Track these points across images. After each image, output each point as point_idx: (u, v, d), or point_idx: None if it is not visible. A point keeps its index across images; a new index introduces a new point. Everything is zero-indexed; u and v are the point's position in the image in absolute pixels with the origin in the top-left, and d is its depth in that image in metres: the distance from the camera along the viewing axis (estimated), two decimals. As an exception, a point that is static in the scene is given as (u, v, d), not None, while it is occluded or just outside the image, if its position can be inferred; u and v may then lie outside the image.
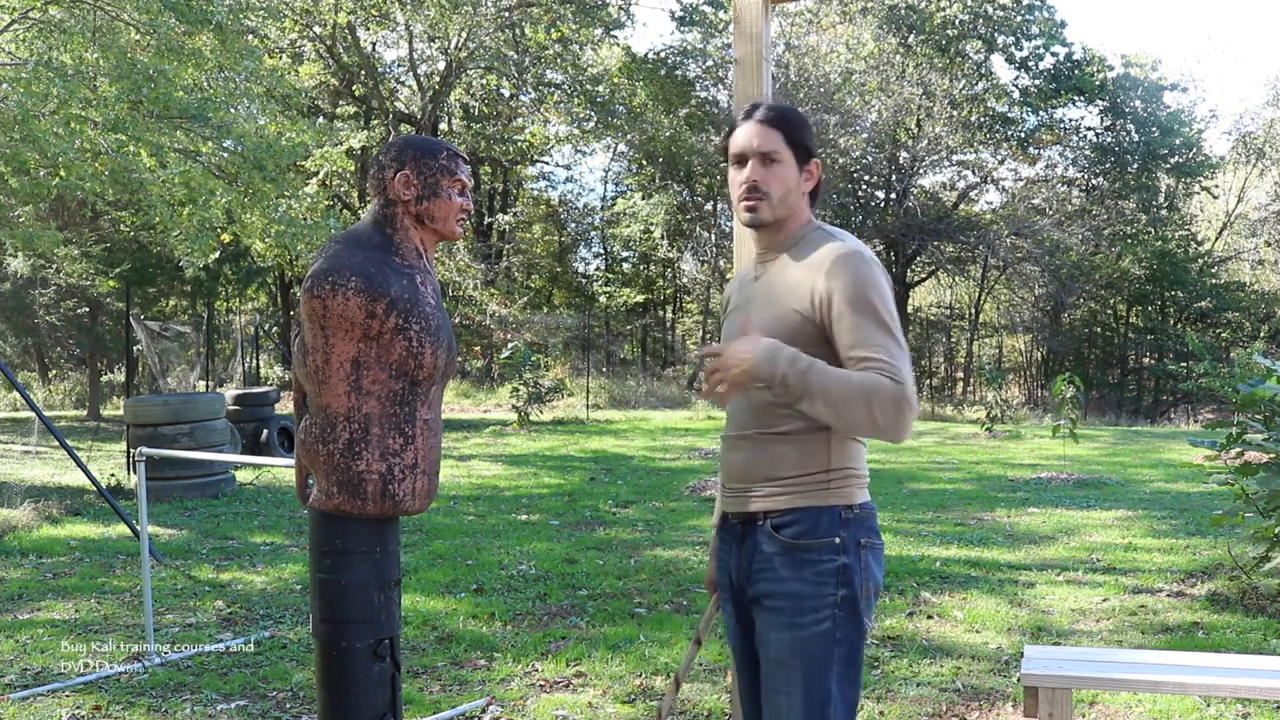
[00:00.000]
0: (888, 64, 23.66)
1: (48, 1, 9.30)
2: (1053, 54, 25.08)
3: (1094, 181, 27.32)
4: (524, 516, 8.19)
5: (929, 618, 5.15)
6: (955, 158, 25.87)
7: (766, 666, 2.05)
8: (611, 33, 21.14)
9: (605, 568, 6.29)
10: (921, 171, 25.37)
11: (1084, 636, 4.83)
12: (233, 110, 10.40)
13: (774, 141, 2.10)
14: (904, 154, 24.66)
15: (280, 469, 10.37)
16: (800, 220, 2.16)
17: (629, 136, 23.88)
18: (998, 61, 25.50)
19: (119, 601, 5.55)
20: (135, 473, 6.42)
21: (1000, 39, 24.67)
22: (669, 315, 31.17)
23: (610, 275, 29.42)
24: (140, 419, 9.30)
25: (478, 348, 24.83)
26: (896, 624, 5.02)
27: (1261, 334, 24.51)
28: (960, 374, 28.64)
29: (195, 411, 9.35)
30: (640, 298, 28.84)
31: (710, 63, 24.02)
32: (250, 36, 13.38)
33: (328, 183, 17.78)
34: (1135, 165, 26.29)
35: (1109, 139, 26.87)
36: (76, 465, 7.28)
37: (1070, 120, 27.13)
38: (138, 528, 5.89)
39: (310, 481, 2.53)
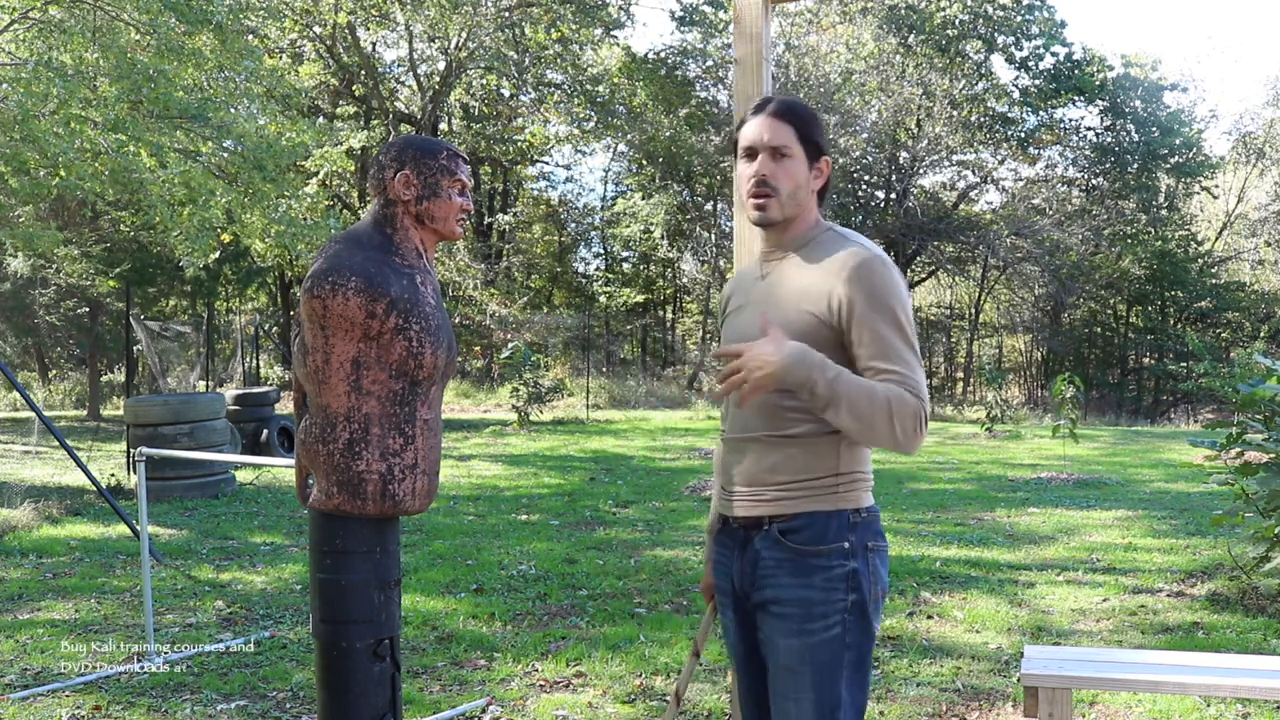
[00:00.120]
0: (888, 64, 23.66)
1: (48, 1, 9.30)
2: (1053, 54, 25.09)
3: (1094, 181, 27.32)
4: (524, 516, 8.19)
5: (929, 618, 5.15)
6: (955, 158, 25.87)
7: (775, 673, 2.02)
8: (611, 33, 21.15)
9: (605, 568, 6.29)
10: (921, 171, 25.38)
11: (1084, 636, 4.83)
12: (233, 110, 10.40)
13: (785, 136, 2.06)
14: (904, 154, 24.66)
15: (280, 469, 10.37)
16: (809, 220, 2.12)
17: (629, 136, 23.88)
18: (998, 61, 25.52)
19: (119, 601, 5.55)
20: (135, 473, 6.42)
21: (1000, 39, 24.67)
22: (669, 315, 31.17)
23: (610, 275, 29.42)
24: (140, 419, 9.30)
25: (478, 348, 24.83)
26: (896, 624, 5.02)
27: (1261, 334, 24.51)
28: (960, 374, 28.64)
29: (195, 411, 9.35)
30: (640, 298, 28.84)
31: (710, 63, 24.02)
32: (250, 36, 13.38)
33: (328, 183, 17.78)
34: (1135, 165, 26.29)
35: (1109, 139, 26.87)
36: (76, 465, 7.28)
37: (1070, 120, 27.15)
38: (138, 528, 5.89)
39: (310, 481, 2.53)
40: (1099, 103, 26.29)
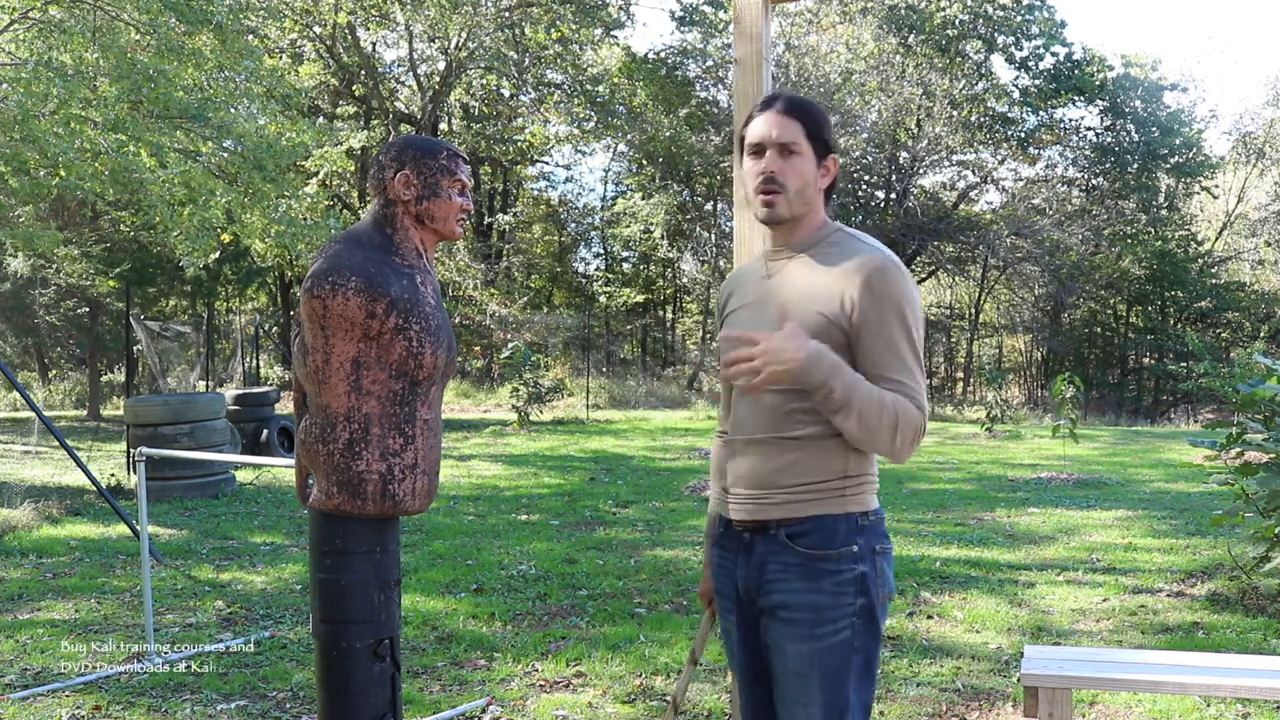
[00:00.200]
0: (888, 64, 23.66)
1: (48, 1, 9.30)
2: (1053, 54, 25.09)
3: (1094, 181, 27.32)
4: (524, 516, 8.18)
5: (929, 618, 5.15)
6: (955, 158, 25.87)
7: (784, 678, 2.00)
8: (611, 33, 21.14)
9: (605, 568, 6.29)
10: (921, 171, 25.37)
11: (1084, 636, 4.83)
12: (233, 110, 10.40)
13: (793, 132, 2.03)
14: (904, 154, 24.66)
15: (280, 469, 10.37)
16: (817, 220, 2.09)
17: (629, 136, 23.88)
18: (998, 61, 25.52)
19: (119, 601, 5.55)
20: (135, 473, 6.42)
21: (1000, 39, 24.67)
22: (669, 315, 31.17)
23: (610, 275, 29.42)
24: (140, 419, 9.30)
25: (478, 348, 24.83)
26: (896, 624, 5.02)
27: (1261, 334, 24.52)
28: (960, 374, 28.64)
29: (195, 411, 9.35)
30: (640, 298, 28.84)
31: (710, 63, 24.02)
32: (250, 36, 13.38)
33: (328, 183, 17.78)
34: (1135, 165, 26.29)
35: (1109, 139, 26.87)
36: (76, 465, 7.28)
37: (1070, 120, 27.15)
38: (138, 528, 5.89)
39: (310, 481, 2.53)
40: (1099, 103, 26.29)
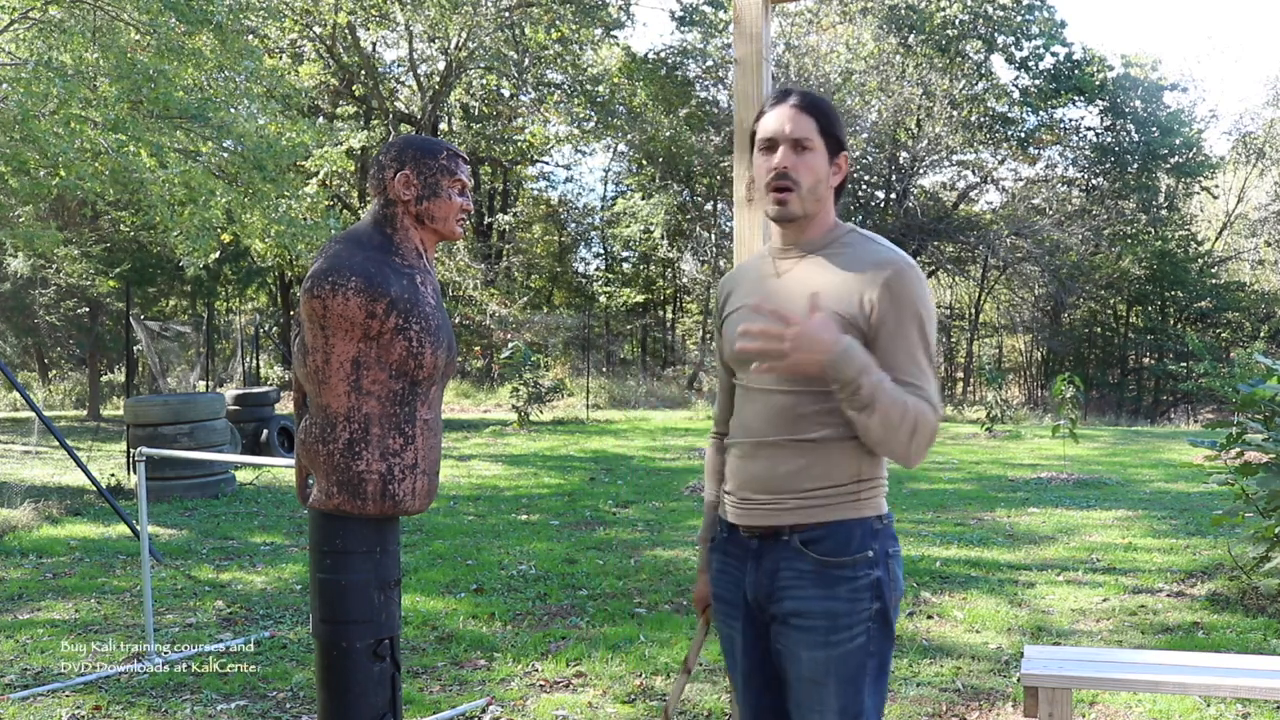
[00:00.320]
0: (888, 64, 23.66)
1: (48, 1, 9.29)
2: (1053, 54, 25.09)
3: (1094, 181, 27.32)
4: (524, 516, 8.18)
5: (929, 618, 5.15)
6: (955, 158, 25.87)
7: (798, 685, 1.97)
8: (611, 33, 21.14)
9: (605, 568, 6.29)
10: (921, 171, 25.38)
11: (1084, 636, 4.83)
12: (233, 110, 10.40)
13: (807, 128, 1.99)
14: (904, 154, 24.67)
15: (280, 469, 10.37)
16: (828, 220, 2.05)
17: (629, 136, 23.88)
18: (998, 61, 25.52)
19: (119, 601, 5.55)
20: (135, 473, 6.42)
21: (1000, 39, 24.67)
22: (669, 315, 31.17)
23: (610, 275, 29.42)
24: (140, 419, 9.30)
25: (478, 348, 24.83)
26: (897, 624, 5.01)
27: (1261, 334, 24.52)
28: (960, 374, 28.64)
29: (195, 411, 9.35)
30: (640, 298, 28.84)
31: (710, 63, 24.02)
32: (250, 36, 13.38)
33: (328, 183, 17.78)
34: (1135, 165, 26.29)
35: (1109, 139, 26.87)
36: (76, 465, 7.28)
37: (1070, 120, 27.15)
38: (138, 528, 5.89)
39: (310, 481, 2.53)
40: (1099, 103, 26.29)
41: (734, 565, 2.07)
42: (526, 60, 20.93)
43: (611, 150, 28.05)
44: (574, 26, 20.18)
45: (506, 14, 19.76)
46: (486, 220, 26.96)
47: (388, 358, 2.36)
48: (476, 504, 8.82)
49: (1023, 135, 26.09)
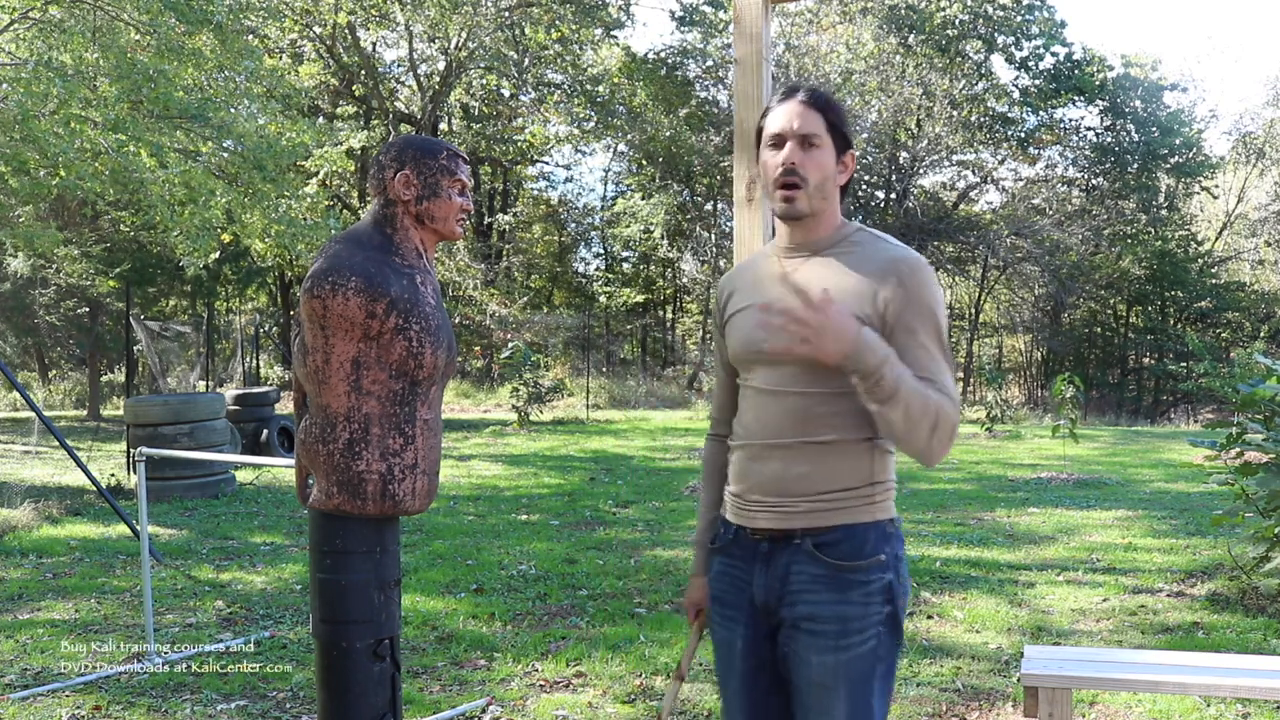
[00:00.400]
0: (888, 64, 23.66)
1: (48, 1, 9.30)
2: (1053, 54, 25.09)
3: (1094, 181, 27.32)
4: (524, 516, 8.18)
5: (929, 618, 5.15)
6: (955, 158, 25.87)
7: (807, 689, 1.94)
8: (611, 33, 21.15)
9: (605, 568, 6.29)
10: (921, 171, 25.38)
11: (1084, 636, 4.83)
12: (233, 110, 10.40)
13: (815, 124, 1.97)
14: (904, 154, 24.67)
15: (280, 469, 10.37)
16: (836, 219, 2.03)
17: (629, 136, 23.88)
18: (998, 61, 25.52)
19: (119, 601, 5.55)
20: (135, 473, 6.42)
21: (1000, 39, 24.67)
22: (669, 315, 31.17)
23: (610, 275, 29.42)
24: (140, 419, 9.30)
25: (478, 348, 24.83)
26: (896, 624, 5.01)
27: (1261, 334, 24.52)
28: (960, 374, 28.64)
29: (195, 411, 9.35)
30: (640, 298, 28.84)
31: (710, 63, 24.02)
32: (250, 36, 13.38)
33: (328, 183, 17.78)
34: (1135, 165, 26.30)
35: (1109, 139, 26.87)
36: (76, 465, 7.28)
37: (1070, 120, 27.15)
38: (138, 528, 5.89)
39: (310, 481, 2.53)
40: (1099, 103, 26.30)
41: (740, 568, 2.04)
42: (526, 60, 20.94)
43: (611, 150, 28.07)
44: (574, 26, 20.18)
45: (506, 14, 19.76)
46: (486, 220, 26.96)
47: (388, 358, 2.36)
48: (476, 504, 8.82)
49: (1023, 135, 26.10)
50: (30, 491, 8.87)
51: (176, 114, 9.66)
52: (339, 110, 22.46)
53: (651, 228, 25.28)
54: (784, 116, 1.99)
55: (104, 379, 21.73)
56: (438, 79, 22.00)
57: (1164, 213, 26.98)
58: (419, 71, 22.16)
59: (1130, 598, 5.52)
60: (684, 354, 28.95)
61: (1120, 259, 26.47)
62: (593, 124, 22.89)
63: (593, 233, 30.59)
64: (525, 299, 25.47)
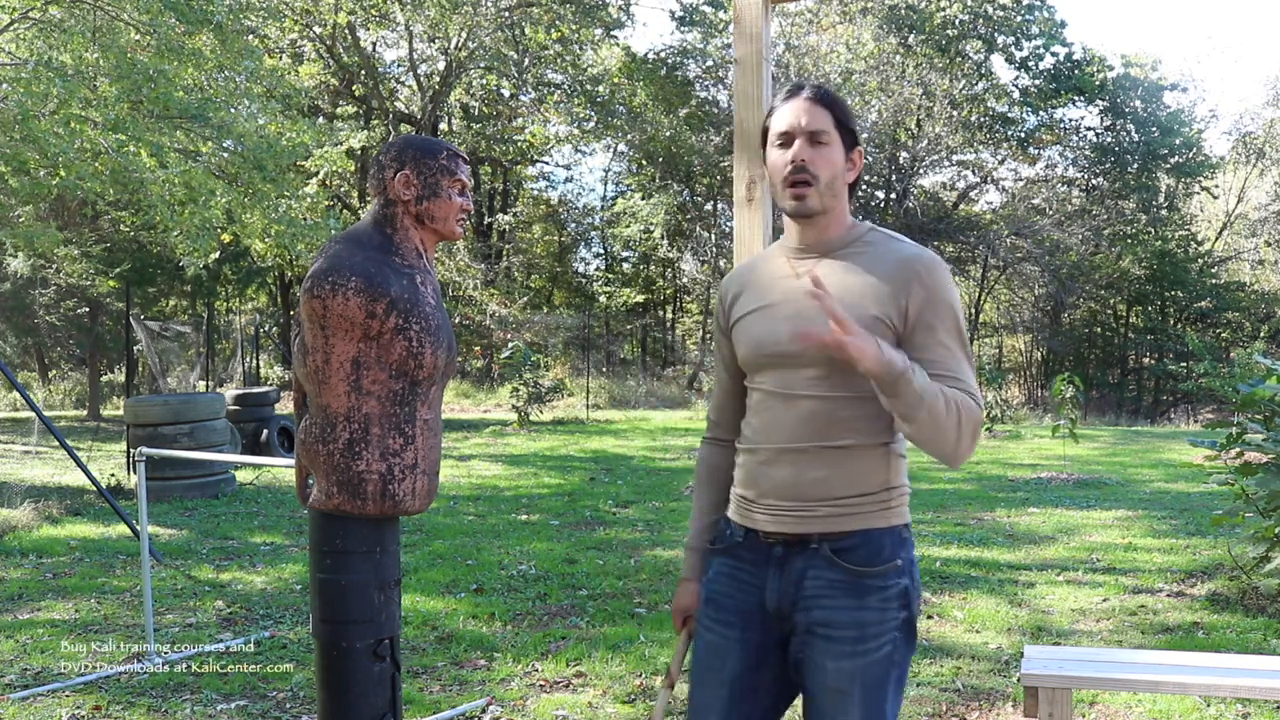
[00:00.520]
0: (888, 64, 23.66)
1: (48, 1, 9.30)
2: (1053, 54, 25.10)
3: (1094, 181, 27.32)
4: (524, 516, 8.18)
5: (929, 618, 5.15)
6: (955, 158, 25.87)
7: (821, 695, 1.92)
8: (611, 33, 21.15)
9: (605, 568, 6.29)
10: (921, 171, 25.38)
11: (1084, 636, 4.83)
12: (233, 110, 10.40)
13: (823, 120, 1.95)
14: (904, 154, 24.67)
15: (280, 469, 10.37)
16: (846, 218, 2.01)
17: (629, 136, 23.89)
18: (998, 61, 25.53)
19: (119, 601, 5.55)
20: (135, 473, 6.42)
21: (1000, 39, 24.67)
22: (669, 315, 31.17)
23: (610, 275, 29.42)
24: (140, 419, 9.30)
25: (478, 348, 24.83)
26: (896, 624, 5.01)
27: (1261, 334, 24.52)
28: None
29: (195, 411, 9.35)
30: (640, 298, 28.84)
31: (710, 63, 24.02)
32: (250, 36, 13.38)
33: (328, 183, 17.78)
34: (1135, 165, 26.30)
35: (1109, 139, 26.88)
36: (76, 465, 7.28)
37: (1070, 120, 27.16)
38: (138, 528, 5.89)
39: (310, 481, 2.53)
40: (1099, 103, 26.30)
41: (748, 571, 2.00)
42: (526, 60, 20.94)
43: (611, 150, 28.07)
44: (574, 26, 20.18)
45: (506, 14, 19.76)
46: (486, 220, 26.96)
47: (388, 358, 2.36)
48: (476, 504, 8.82)
49: (1023, 135, 26.10)
50: (30, 491, 8.87)
51: (176, 114, 9.66)
52: (339, 110, 22.46)
53: (651, 228, 25.28)
54: (790, 114, 1.97)
55: (104, 379, 21.73)
56: (438, 79, 22.00)
57: (1164, 213, 26.99)
58: (419, 71, 22.17)
59: (1130, 598, 5.52)
60: (684, 354, 28.95)
61: (1120, 259, 26.47)
62: (593, 124, 22.89)
63: (593, 233, 30.59)
64: (525, 299, 25.47)
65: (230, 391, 12.45)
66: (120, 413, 15.84)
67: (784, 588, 1.95)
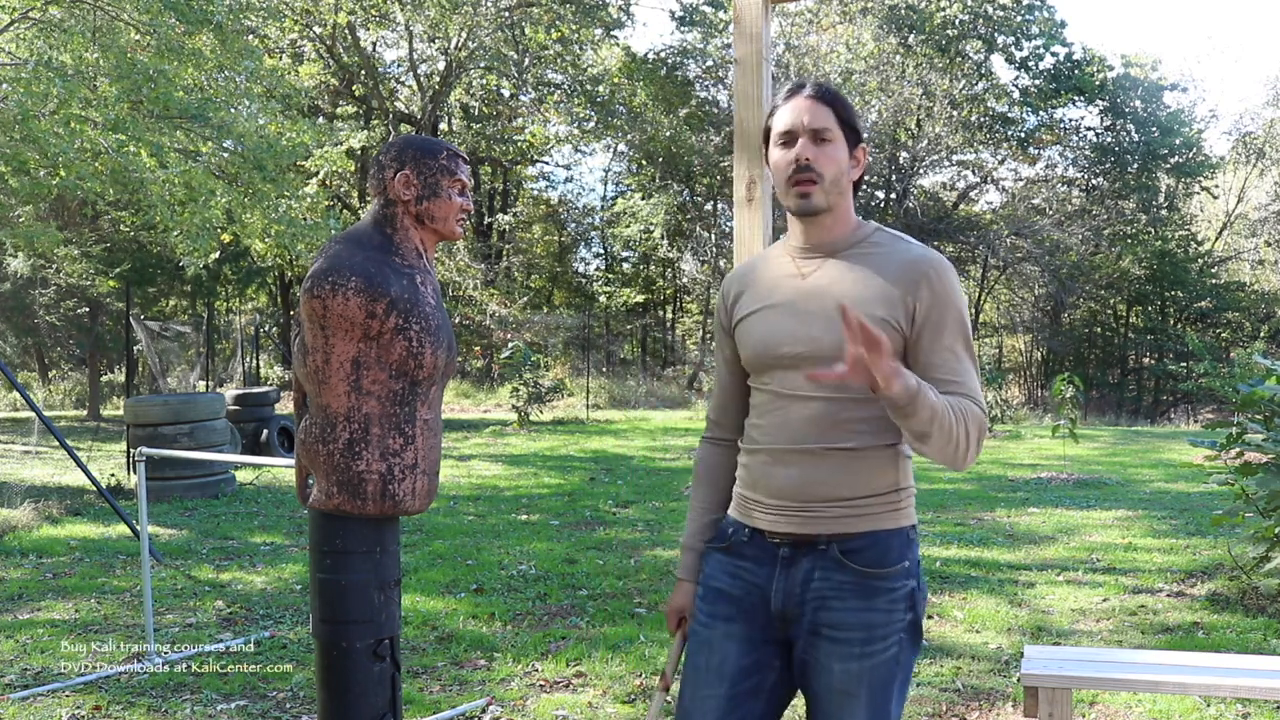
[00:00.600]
0: (888, 64, 23.66)
1: (48, 1, 9.30)
2: (1053, 54, 25.10)
3: (1094, 181, 27.33)
4: (524, 516, 8.18)
5: (929, 618, 5.15)
6: (955, 158, 25.88)
7: (827, 696, 1.91)
8: (611, 33, 21.15)
9: (605, 568, 6.29)
10: (921, 171, 25.38)
11: (1084, 636, 4.83)
12: (233, 110, 10.40)
13: (826, 118, 1.93)
14: (904, 154, 24.67)
15: (280, 469, 10.37)
16: (851, 218, 1.98)
17: (629, 136, 23.89)
18: (998, 61, 25.53)
19: (119, 601, 5.55)
20: (135, 473, 6.42)
21: (1000, 39, 24.67)
22: (669, 315, 31.17)
23: (610, 275, 29.42)
24: (140, 419, 9.30)
25: (478, 348, 24.83)
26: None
27: (1261, 334, 24.52)
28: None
29: (195, 411, 9.35)
30: (640, 298, 28.84)
31: (710, 63, 24.03)
32: (250, 36, 13.38)
33: (328, 183, 17.77)
34: (1135, 165, 26.30)
35: (1109, 139, 26.88)
36: (76, 465, 7.28)
37: (1070, 120, 27.16)
38: (138, 528, 5.89)
39: (310, 481, 2.53)
40: (1099, 103, 26.31)
41: (751, 570, 1.99)
42: (526, 60, 20.94)
43: (611, 150, 28.07)
44: (574, 26, 20.18)
45: (506, 14, 19.76)
46: (486, 220, 26.96)
47: (388, 358, 2.36)
48: (476, 504, 8.82)
49: (1023, 135, 26.11)
50: (30, 491, 8.87)
51: (176, 114, 9.66)
52: (339, 110, 22.46)
53: (651, 228, 25.28)
54: (793, 112, 1.95)
55: (104, 379, 21.73)
56: (438, 79, 22.00)
57: (1164, 213, 27.00)
58: (419, 71, 22.17)
59: (1130, 598, 5.52)
60: (684, 354, 28.95)
61: (1120, 259, 26.48)
62: (593, 124, 22.89)
63: (593, 233, 30.59)
64: (525, 299, 25.47)
65: (230, 391, 12.45)
66: (120, 413, 15.84)
67: (789, 588, 1.94)
